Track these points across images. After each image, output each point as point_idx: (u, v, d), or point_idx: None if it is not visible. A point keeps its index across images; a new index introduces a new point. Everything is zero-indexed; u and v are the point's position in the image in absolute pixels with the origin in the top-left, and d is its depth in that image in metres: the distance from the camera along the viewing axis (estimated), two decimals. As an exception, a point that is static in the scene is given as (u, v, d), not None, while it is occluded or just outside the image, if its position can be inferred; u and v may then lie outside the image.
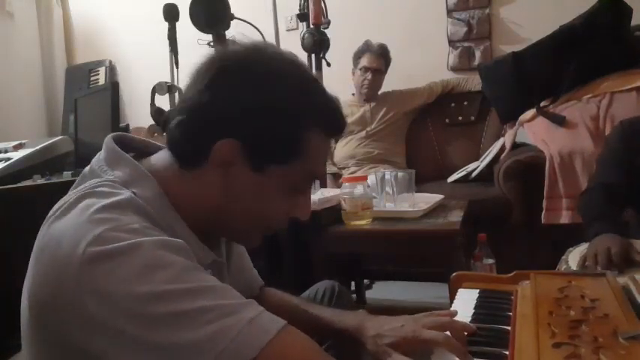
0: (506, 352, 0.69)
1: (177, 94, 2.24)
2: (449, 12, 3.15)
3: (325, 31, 2.19)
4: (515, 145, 2.44)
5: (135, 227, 0.60)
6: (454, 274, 0.99)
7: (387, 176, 1.89)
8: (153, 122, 2.28)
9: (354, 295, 2.61)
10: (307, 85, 0.73)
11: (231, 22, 2.04)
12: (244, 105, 0.68)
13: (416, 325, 0.78)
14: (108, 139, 0.74)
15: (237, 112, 0.68)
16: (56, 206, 0.66)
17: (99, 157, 0.72)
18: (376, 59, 2.87)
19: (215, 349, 0.54)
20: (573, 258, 1.37)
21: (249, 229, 0.77)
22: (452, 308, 0.88)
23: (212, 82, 0.69)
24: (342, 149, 2.94)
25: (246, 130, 0.69)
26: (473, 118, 2.94)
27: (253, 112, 0.68)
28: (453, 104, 2.99)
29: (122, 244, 0.57)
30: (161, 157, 0.74)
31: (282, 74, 0.71)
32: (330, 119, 0.75)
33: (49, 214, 0.65)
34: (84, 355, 0.57)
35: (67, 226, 0.60)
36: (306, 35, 2.16)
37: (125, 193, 0.65)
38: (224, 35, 2.03)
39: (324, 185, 2.27)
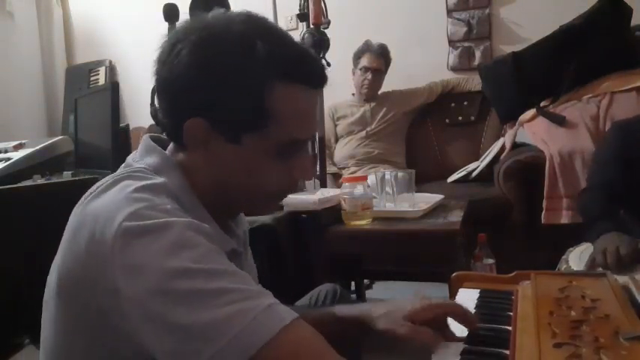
0: (507, 352, 0.69)
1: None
2: (449, 12, 3.15)
3: (325, 31, 2.19)
4: (515, 145, 2.44)
5: (168, 208, 0.62)
6: (454, 274, 0.99)
7: (387, 176, 1.89)
8: (153, 122, 2.28)
9: (354, 295, 2.61)
10: (254, 41, 0.67)
11: (231, 22, 2.04)
12: (192, 80, 0.67)
13: (422, 298, 0.79)
14: (145, 137, 0.77)
15: (187, 90, 0.68)
16: (92, 189, 0.69)
17: (134, 153, 0.76)
18: (376, 59, 2.87)
19: (231, 331, 0.55)
20: (573, 258, 1.37)
21: (255, 200, 0.76)
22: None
23: (158, 63, 0.71)
24: (342, 149, 2.94)
25: (204, 105, 0.68)
26: (473, 118, 2.94)
27: (203, 84, 0.67)
28: (453, 104, 2.99)
29: (155, 222, 0.59)
30: (171, 147, 0.76)
31: (224, 37, 0.68)
32: (293, 66, 0.69)
33: (85, 195, 0.68)
34: (107, 324, 0.60)
35: (104, 203, 0.63)
36: (306, 35, 2.16)
37: (157, 178, 0.68)
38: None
39: (324, 185, 2.27)
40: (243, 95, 0.67)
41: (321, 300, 1.08)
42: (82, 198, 0.68)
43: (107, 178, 0.69)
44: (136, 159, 0.74)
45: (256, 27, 0.70)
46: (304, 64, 0.71)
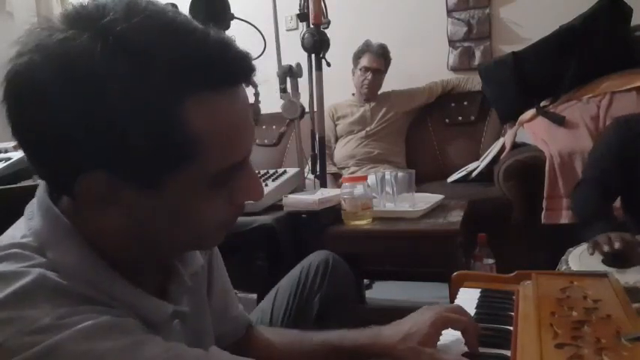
0: (509, 353, 0.69)
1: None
2: (449, 12, 3.15)
3: (325, 31, 2.19)
4: (515, 145, 2.44)
5: (45, 324, 0.47)
6: (455, 273, 0.99)
7: (387, 176, 1.88)
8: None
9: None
10: (149, 55, 0.49)
11: (231, 22, 2.03)
12: (76, 125, 0.49)
13: (435, 310, 0.77)
14: (41, 184, 0.59)
15: (72, 140, 0.49)
16: None
17: (33, 200, 0.60)
18: (376, 59, 2.86)
19: None
20: (573, 258, 1.37)
21: (195, 242, 0.62)
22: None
23: (10, 99, 0.52)
24: (342, 149, 2.94)
25: (102, 155, 0.50)
26: (473, 118, 2.94)
27: (93, 130, 0.48)
28: (453, 104, 2.99)
29: (34, 351, 0.45)
30: (66, 199, 0.58)
31: (102, 62, 0.48)
32: (206, 69, 0.51)
33: None
34: None
35: None
36: (306, 35, 2.15)
37: (32, 272, 0.50)
38: (224, 35, 2.02)
39: (324, 185, 2.27)
40: (152, 129, 0.49)
41: (312, 272, 1.03)
42: None
43: None
44: (30, 214, 0.58)
45: (143, 30, 0.49)
46: (220, 60, 0.52)
